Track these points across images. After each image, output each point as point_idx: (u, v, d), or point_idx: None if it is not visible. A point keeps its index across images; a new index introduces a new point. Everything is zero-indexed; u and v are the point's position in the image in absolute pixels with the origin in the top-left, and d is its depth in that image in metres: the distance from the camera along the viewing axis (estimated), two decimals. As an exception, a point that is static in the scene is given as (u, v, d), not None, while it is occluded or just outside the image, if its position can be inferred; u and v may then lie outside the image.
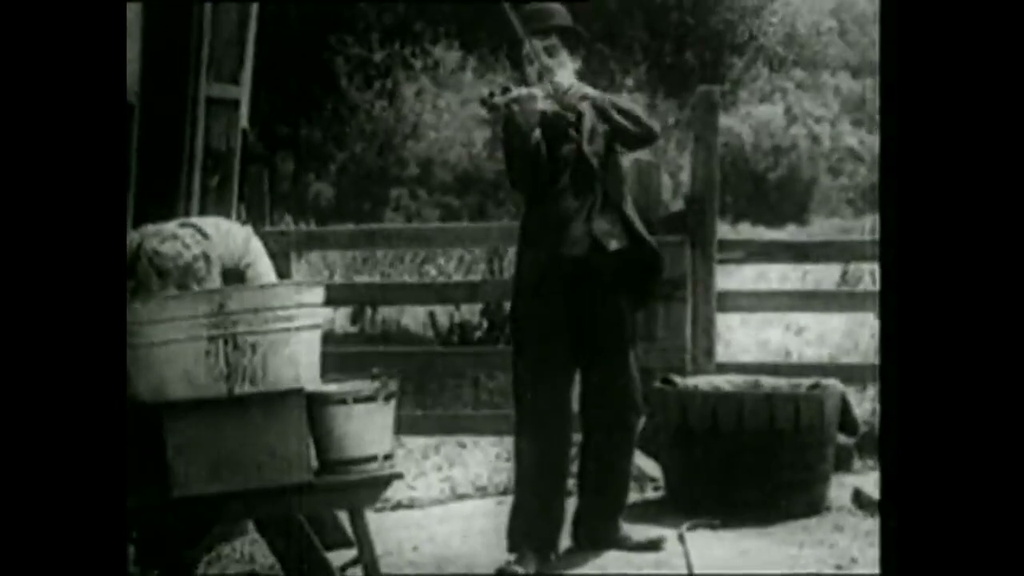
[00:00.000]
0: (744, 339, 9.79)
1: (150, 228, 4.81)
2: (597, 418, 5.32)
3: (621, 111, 5.27)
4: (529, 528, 5.21)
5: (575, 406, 5.35)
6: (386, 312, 11.30)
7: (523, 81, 5.31)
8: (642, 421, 6.45)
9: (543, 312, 5.19)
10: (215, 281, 4.69)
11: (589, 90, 5.35)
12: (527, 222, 5.30)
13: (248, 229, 4.92)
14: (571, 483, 5.49)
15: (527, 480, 5.24)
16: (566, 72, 5.29)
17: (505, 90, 5.15)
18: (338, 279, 12.71)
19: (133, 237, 4.76)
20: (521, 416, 5.26)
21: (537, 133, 5.11)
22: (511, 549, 5.23)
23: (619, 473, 5.39)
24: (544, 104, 5.13)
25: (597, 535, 5.38)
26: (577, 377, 5.34)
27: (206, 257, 4.72)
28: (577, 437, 5.43)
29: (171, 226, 4.83)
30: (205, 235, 4.76)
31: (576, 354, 5.24)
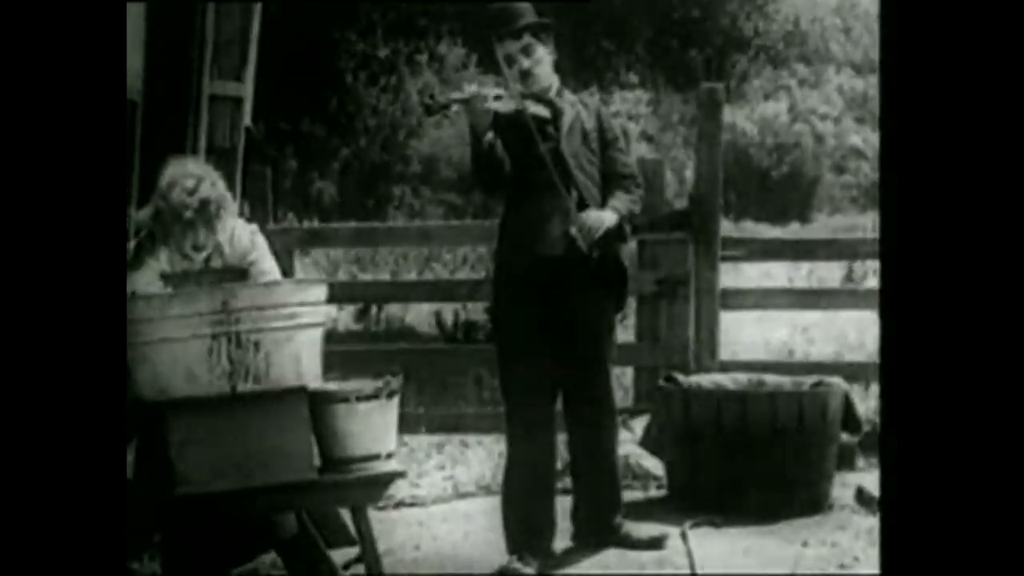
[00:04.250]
0: (747, 337, 9.77)
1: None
2: (580, 416, 5.32)
3: None
4: (521, 530, 5.21)
5: (559, 405, 5.34)
6: (390, 310, 11.29)
7: (503, 84, 5.19)
8: (645, 419, 6.48)
9: (521, 314, 5.17)
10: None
11: (568, 95, 5.30)
12: (505, 222, 5.26)
13: (253, 226, 4.92)
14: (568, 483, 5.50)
15: (513, 480, 5.24)
16: (545, 69, 5.25)
17: (432, 98, 5.12)
18: (341, 277, 12.72)
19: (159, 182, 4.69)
20: (507, 418, 5.27)
21: (490, 135, 5.02)
22: (512, 551, 5.22)
23: (608, 468, 5.38)
24: (502, 105, 5.03)
25: (597, 533, 5.38)
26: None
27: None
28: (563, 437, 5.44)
29: None
30: None
31: (556, 355, 5.20)
